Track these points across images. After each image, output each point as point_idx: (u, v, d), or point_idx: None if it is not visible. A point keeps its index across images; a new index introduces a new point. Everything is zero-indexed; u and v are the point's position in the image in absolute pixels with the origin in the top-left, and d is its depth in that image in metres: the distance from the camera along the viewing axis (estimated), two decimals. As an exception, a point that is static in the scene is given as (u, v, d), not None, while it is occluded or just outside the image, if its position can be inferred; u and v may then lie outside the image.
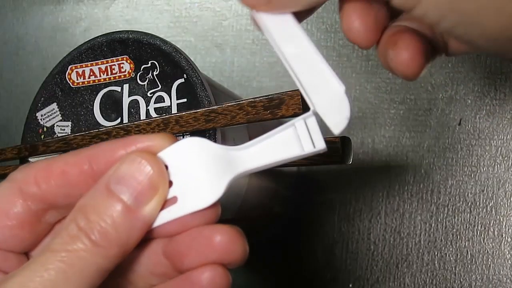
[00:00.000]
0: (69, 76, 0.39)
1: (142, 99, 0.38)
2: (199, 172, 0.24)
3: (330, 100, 0.24)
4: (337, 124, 0.24)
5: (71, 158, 0.24)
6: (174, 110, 0.37)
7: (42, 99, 0.40)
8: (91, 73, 0.39)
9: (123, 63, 0.38)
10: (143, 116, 0.38)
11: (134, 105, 0.38)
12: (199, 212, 0.24)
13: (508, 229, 0.45)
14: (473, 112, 0.46)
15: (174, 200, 0.24)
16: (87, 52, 0.39)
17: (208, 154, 0.24)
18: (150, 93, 0.38)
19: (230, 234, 0.24)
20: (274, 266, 0.51)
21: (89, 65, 0.39)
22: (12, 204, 0.24)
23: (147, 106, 0.38)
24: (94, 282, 0.22)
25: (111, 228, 0.22)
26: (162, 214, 0.24)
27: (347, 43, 0.50)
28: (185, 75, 0.37)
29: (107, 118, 0.38)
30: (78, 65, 0.39)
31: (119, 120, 0.38)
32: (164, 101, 0.37)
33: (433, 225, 0.47)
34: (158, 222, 0.24)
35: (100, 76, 0.39)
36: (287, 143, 0.24)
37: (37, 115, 0.40)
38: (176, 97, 0.37)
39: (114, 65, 0.38)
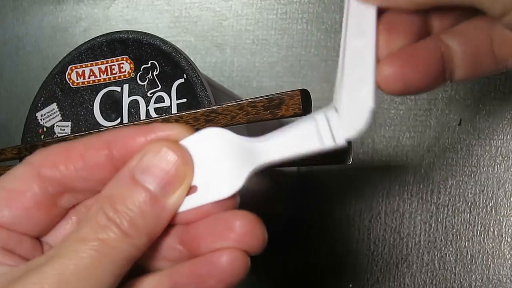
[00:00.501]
0: (69, 76, 0.39)
1: (142, 99, 0.38)
2: (220, 162, 0.24)
3: (355, 108, 0.24)
4: (345, 133, 0.24)
5: (90, 142, 0.25)
6: (174, 110, 0.37)
7: (42, 99, 0.40)
8: (91, 73, 0.39)
9: (123, 63, 0.38)
10: (143, 116, 0.38)
11: (134, 105, 0.38)
12: (218, 202, 0.24)
13: (508, 229, 0.45)
14: (473, 112, 0.46)
15: (194, 189, 0.24)
16: (87, 52, 0.39)
17: (229, 144, 0.24)
18: (150, 93, 0.38)
19: (249, 220, 0.24)
20: (274, 266, 0.51)
21: (89, 65, 0.39)
22: (29, 185, 0.24)
23: (147, 106, 0.38)
24: (124, 270, 0.23)
25: (140, 217, 0.23)
26: (183, 203, 0.24)
27: (347, 43, 0.50)
28: (185, 75, 0.37)
29: (107, 118, 0.38)
30: (78, 65, 0.39)
31: (119, 120, 0.38)
32: (164, 101, 0.37)
33: (433, 225, 0.47)
34: (179, 210, 0.24)
35: (100, 76, 0.39)
36: (308, 136, 0.24)
37: (37, 115, 0.40)
38: (176, 97, 0.37)
39: (114, 65, 0.38)
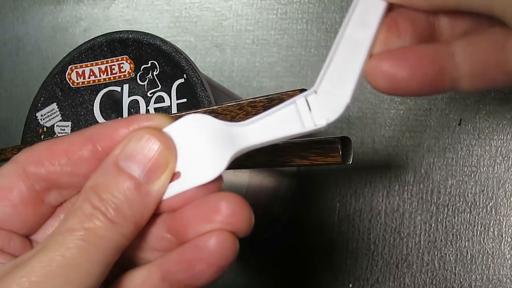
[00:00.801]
0: (69, 76, 0.39)
1: (142, 99, 0.38)
2: (202, 147, 0.24)
3: (332, 97, 0.24)
4: (317, 119, 0.24)
5: (74, 138, 0.25)
6: (174, 110, 0.37)
7: (42, 99, 0.40)
8: (91, 73, 0.39)
9: (123, 63, 0.38)
10: None
11: (134, 105, 0.38)
12: (202, 186, 0.24)
13: (508, 229, 0.45)
14: (473, 112, 0.46)
15: (177, 175, 0.24)
16: (87, 52, 0.39)
17: (211, 129, 0.24)
18: (150, 93, 0.38)
19: (235, 201, 0.24)
20: (274, 266, 0.51)
21: (89, 65, 0.39)
22: (16, 183, 0.25)
23: (147, 106, 0.38)
24: (112, 259, 0.23)
25: (125, 205, 0.23)
26: (167, 190, 0.24)
27: (347, 43, 0.50)
28: (185, 75, 0.37)
29: (107, 118, 0.38)
30: (78, 65, 0.39)
31: None
32: (164, 101, 0.37)
33: (433, 225, 0.47)
34: (164, 197, 0.24)
35: (100, 76, 0.39)
36: (288, 120, 0.24)
37: (37, 115, 0.40)
38: (176, 97, 0.37)
39: (114, 65, 0.38)
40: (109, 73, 0.39)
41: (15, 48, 0.61)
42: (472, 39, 0.24)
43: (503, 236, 0.45)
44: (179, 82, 0.37)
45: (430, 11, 0.24)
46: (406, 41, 0.24)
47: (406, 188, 0.47)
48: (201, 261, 0.23)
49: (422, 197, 0.47)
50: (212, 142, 0.24)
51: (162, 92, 0.37)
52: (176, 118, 0.25)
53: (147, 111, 0.37)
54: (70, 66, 0.39)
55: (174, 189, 0.24)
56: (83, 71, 0.39)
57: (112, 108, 0.38)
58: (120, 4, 0.58)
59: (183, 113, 0.35)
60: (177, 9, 0.56)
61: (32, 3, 0.60)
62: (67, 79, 0.39)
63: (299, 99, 0.24)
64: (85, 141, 0.24)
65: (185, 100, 0.37)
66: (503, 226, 0.45)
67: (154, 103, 0.37)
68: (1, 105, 0.61)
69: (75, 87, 0.39)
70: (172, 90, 0.37)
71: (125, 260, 0.24)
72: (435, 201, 0.47)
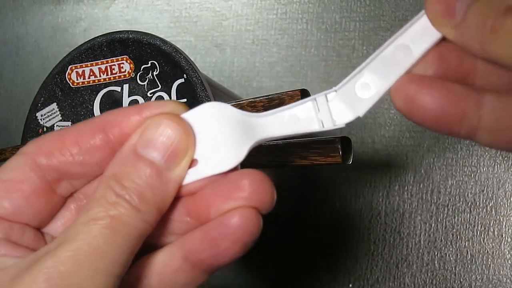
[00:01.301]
0: (69, 76, 0.39)
1: (142, 99, 0.38)
2: (220, 136, 0.24)
3: (352, 101, 0.24)
4: (337, 119, 0.24)
5: (84, 127, 0.24)
6: None
7: (42, 99, 0.40)
8: (91, 73, 0.39)
9: (123, 63, 0.38)
10: None
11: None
12: (220, 174, 0.24)
13: (508, 229, 0.45)
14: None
15: (194, 162, 0.24)
16: (87, 52, 0.39)
17: (229, 118, 0.24)
18: (150, 93, 0.38)
19: (258, 177, 0.23)
20: (274, 266, 0.51)
21: (89, 65, 0.39)
22: (27, 174, 0.24)
23: None
24: (136, 246, 0.23)
25: (148, 191, 0.23)
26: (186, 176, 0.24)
27: (347, 43, 0.50)
28: (185, 75, 0.37)
29: None
30: (78, 65, 0.39)
31: None
32: None
33: (433, 225, 0.47)
34: (182, 183, 0.24)
35: (100, 76, 0.39)
36: (307, 116, 0.24)
37: (37, 115, 0.40)
38: (176, 97, 0.37)
39: (114, 65, 0.38)
40: (109, 73, 0.39)
41: (15, 48, 0.61)
42: (504, 98, 0.23)
43: (503, 236, 0.45)
44: (179, 82, 0.37)
45: (479, 58, 0.23)
46: (441, 74, 0.24)
47: (406, 188, 0.47)
48: (225, 238, 0.23)
49: (422, 197, 0.47)
50: (231, 131, 0.24)
51: (162, 92, 0.37)
52: (186, 107, 0.24)
53: None
54: (70, 66, 0.39)
55: (192, 176, 0.24)
56: (83, 71, 0.39)
57: (112, 108, 0.38)
58: (120, 4, 0.58)
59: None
60: (177, 9, 0.56)
61: (32, 3, 0.60)
62: (67, 79, 0.39)
63: (319, 96, 0.24)
64: (96, 129, 0.24)
65: (185, 100, 0.37)
66: (503, 226, 0.45)
67: None
68: (1, 105, 0.61)
69: (75, 87, 0.39)
70: (172, 90, 0.37)
71: (144, 247, 0.24)
72: (435, 201, 0.47)
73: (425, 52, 0.23)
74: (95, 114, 0.39)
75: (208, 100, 0.36)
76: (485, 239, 0.45)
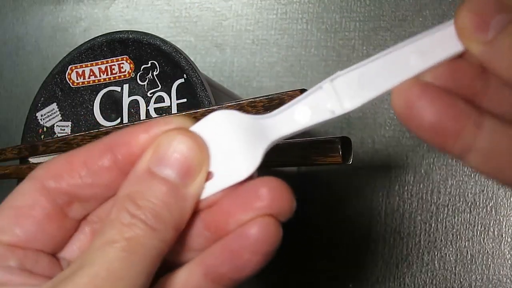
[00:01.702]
0: (69, 76, 0.39)
1: (142, 99, 0.38)
2: (233, 144, 0.23)
3: (357, 88, 0.24)
4: (345, 103, 0.23)
5: (92, 148, 0.24)
6: (174, 110, 0.37)
7: (42, 99, 0.40)
8: (91, 73, 0.39)
9: (123, 63, 0.38)
10: (143, 116, 0.38)
11: (134, 105, 0.38)
12: (237, 183, 0.23)
13: (508, 229, 0.45)
14: (473, 112, 0.46)
15: (210, 175, 0.23)
16: (87, 52, 0.39)
17: (239, 125, 0.23)
18: (150, 93, 0.38)
19: (275, 183, 0.23)
20: (274, 266, 0.51)
21: (89, 65, 0.39)
22: (37, 199, 0.24)
23: (147, 106, 0.38)
24: (155, 267, 0.22)
25: (164, 210, 0.22)
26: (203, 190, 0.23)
27: (347, 43, 0.50)
28: (185, 75, 0.37)
29: (107, 118, 0.38)
30: (78, 65, 0.39)
31: (119, 120, 0.38)
32: (164, 101, 0.37)
33: (433, 225, 0.47)
34: (200, 198, 0.23)
35: (100, 76, 0.39)
36: (316, 106, 0.24)
37: (37, 115, 0.40)
38: (176, 97, 0.37)
39: (114, 65, 0.38)
40: (109, 73, 0.39)
41: (15, 48, 0.61)
42: (507, 125, 0.22)
43: (503, 236, 0.45)
44: (179, 82, 0.37)
45: (503, 81, 0.22)
46: (436, 82, 0.23)
47: (406, 188, 0.47)
48: (246, 250, 0.22)
49: (422, 197, 0.47)
50: (243, 138, 0.23)
51: (162, 92, 0.37)
52: (194, 118, 0.24)
53: (147, 111, 0.37)
54: (70, 66, 0.39)
55: (209, 190, 0.23)
56: (83, 71, 0.39)
57: (112, 108, 0.38)
58: (120, 4, 0.58)
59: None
60: (177, 9, 0.56)
61: (32, 3, 0.60)
62: (67, 79, 0.39)
63: (325, 83, 0.24)
64: (103, 150, 0.24)
65: (185, 100, 0.37)
66: (503, 226, 0.45)
67: (154, 103, 0.37)
68: (1, 105, 0.61)
69: (75, 87, 0.39)
70: (172, 90, 0.37)
71: (163, 265, 0.24)
72: (435, 201, 0.47)
73: (440, 62, 0.22)
74: (95, 114, 0.39)
75: (208, 100, 0.36)
76: (485, 239, 0.45)
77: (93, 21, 0.58)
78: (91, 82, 0.39)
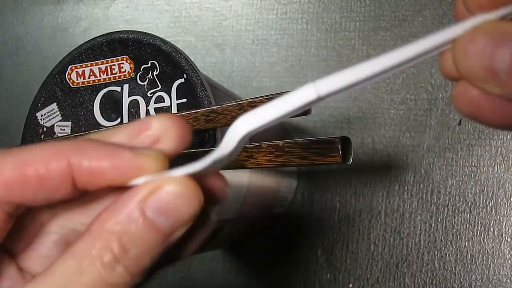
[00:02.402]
0: (69, 76, 0.39)
1: (142, 99, 0.38)
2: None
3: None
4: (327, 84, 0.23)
5: (48, 158, 0.22)
6: (174, 110, 0.37)
7: (42, 99, 0.40)
8: (91, 73, 0.39)
9: (123, 63, 0.38)
10: (143, 116, 0.37)
11: (134, 105, 0.38)
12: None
13: (508, 229, 0.45)
14: (473, 112, 0.46)
15: None
16: (87, 52, 0.39)
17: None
18: (150, 93, 0.38)
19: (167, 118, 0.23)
20: (274, 266, 0.51)
21: (89, 65, 0.39)
22: None
23: (147, 106, 0.38)
24: None
25: (149, 259, 0.22)
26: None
27: (347, 43, 0.50)
28: (185, 75, 0.37)
29: (107, 118, 0.38)
30: (78, 65, 0.39)
31: (119, 120, 0.38)
32: (164, 101, 0.37)
33: (433, 225, 0.47)
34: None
35: (100, 76, 0.39)
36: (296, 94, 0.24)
37: (37, 115, 0.40)
38: (176, 97, 0.37)
39: (114, 65, 0.38)
40: (109, 73, 0.38)
41: (15, 48, 0.61)
42: None
43: (503, 236, 0.45)
44: (179, 82, 0.37)
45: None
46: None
47: (406, 188, 0.47)
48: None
49: (422, 197, 0.47)
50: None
51: (162, 92, 0.37)
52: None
53: (147, 111, 0.37)
54: (70, 66, 0.39)
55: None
56: (83, 71, 0.39)
57: (112, 108, 0.38)
58: (120, 4, 0.58)
59: (183, 112, 0.35)
60: (177, 9, 0.56)
61: (32, 3, 0.60)
62: (67, 79, 0.39)
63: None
64: (62, 163, 0.22)
65: (185, 100, 0.37)
66: (503, 226, 0.45)
67: (154, 103, 0.37)
68: (1, 105, 0.61)
69: (75, 87, 0.39)
70: (172, 90, 0.37)
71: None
72: (435, 201, 0.47)
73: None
74: (95, 114, 0.39)
75: (208, 100, 0.36)
76: (485, 239, 0.45)
77: (93, 21, 0.58)
78: (91, 82, 0.39)
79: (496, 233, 0.45)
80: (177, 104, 0.37)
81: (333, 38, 0.51)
